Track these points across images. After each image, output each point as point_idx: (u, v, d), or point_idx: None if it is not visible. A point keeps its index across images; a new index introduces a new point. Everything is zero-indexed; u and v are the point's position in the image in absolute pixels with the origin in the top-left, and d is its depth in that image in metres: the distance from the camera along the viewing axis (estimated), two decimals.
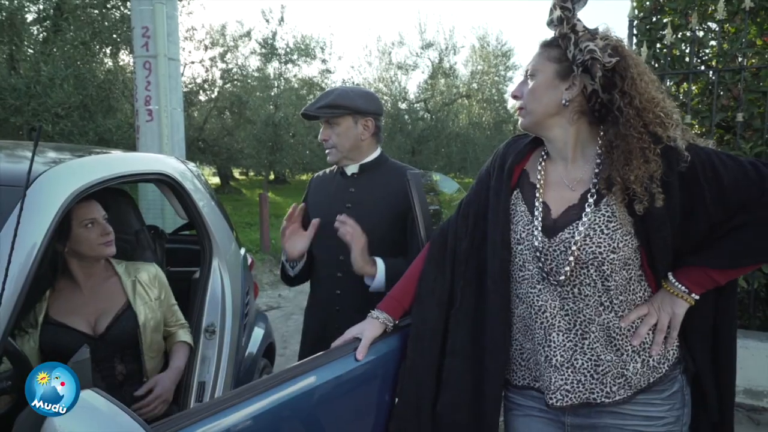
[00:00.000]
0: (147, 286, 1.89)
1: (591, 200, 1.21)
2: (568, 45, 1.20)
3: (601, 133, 1.24)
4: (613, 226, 1.19)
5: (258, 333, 2.68)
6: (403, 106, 16.58)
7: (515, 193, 1.34)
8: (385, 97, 16.56)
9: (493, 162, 1.41)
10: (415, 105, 17.32)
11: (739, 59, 3.48)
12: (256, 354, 2.56)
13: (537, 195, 1.29)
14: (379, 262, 1.74)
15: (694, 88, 3.80)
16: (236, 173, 25.91)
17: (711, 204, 1.15)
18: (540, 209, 1.27)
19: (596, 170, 1.23)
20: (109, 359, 1.76)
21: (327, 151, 1.90)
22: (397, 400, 1.38)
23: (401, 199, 1.75)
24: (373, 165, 1.92)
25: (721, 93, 3.58)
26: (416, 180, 1.62)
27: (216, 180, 21.44)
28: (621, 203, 1.18)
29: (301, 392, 1.20)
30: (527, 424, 1.33)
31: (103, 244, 1.72)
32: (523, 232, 1.28)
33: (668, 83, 3.72)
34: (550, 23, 1.24)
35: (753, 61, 3.60)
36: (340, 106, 1.81)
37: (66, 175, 1.38)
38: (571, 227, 1.22)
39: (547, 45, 1.27)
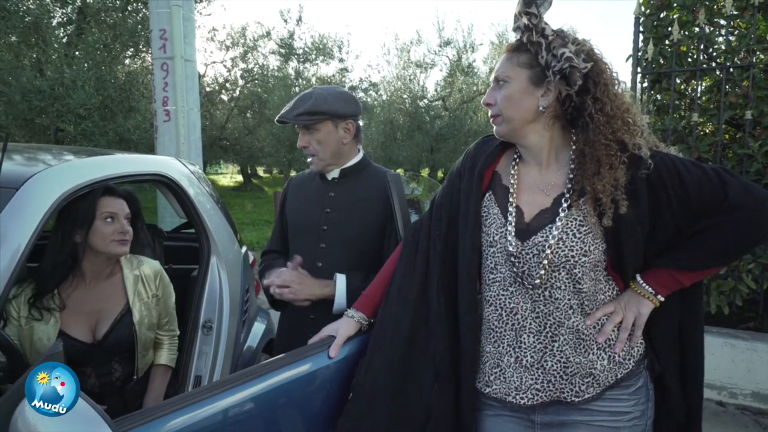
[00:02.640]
0: (147, 282, 1.90)
1: (564, 204, 1.22)
2: (539, 51, 1.20)
3: (574, 138, 1.25)
4: (585, 230, 1.20)
5: (258, 328, 2.74)
6: (421, 104, 16.53)
7: (487, 195, 1.34)
8: (404, 96, 16.54)
9: (463, 163, 1.40)
10: (434, 103, 17.26)
11: (750, 53, 3.42)
12: (255, 349, 2.61)
13: (511, 199, 1.29)
14: (339, 278, 1.71)
15: (702, 85, 3.74)
16: (260, 171, 26.21)
17: (677, 208, 1.18)
18: (513, 213, 1.27)
19: (570, 175, 1.24)
20: (107, 363, 1.78)
21: (309, 160, 1.80)
22: (351, 395, 1.35)
23: (380, 205, 1.72)
24: (355, 169, 1.83)
25: (729, 90, 3.51)
26: (396, 181, 1.64)
27: (240, 178, 21.71)
28: (592, 211, 1.19)
29: (273, 387, 1.23)
30: (498, 424, 1.33)
31: (117, 241, 1.71)
32: (496, 234, 1.28)
33: (676, 81, 3.67)
34: (516, 29, 1.23)
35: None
36: (318, 112, 1.69)
37: (56, 176, 1.44)
38: (544, 231, 1.22)
39: (514, 50, 1.26)
